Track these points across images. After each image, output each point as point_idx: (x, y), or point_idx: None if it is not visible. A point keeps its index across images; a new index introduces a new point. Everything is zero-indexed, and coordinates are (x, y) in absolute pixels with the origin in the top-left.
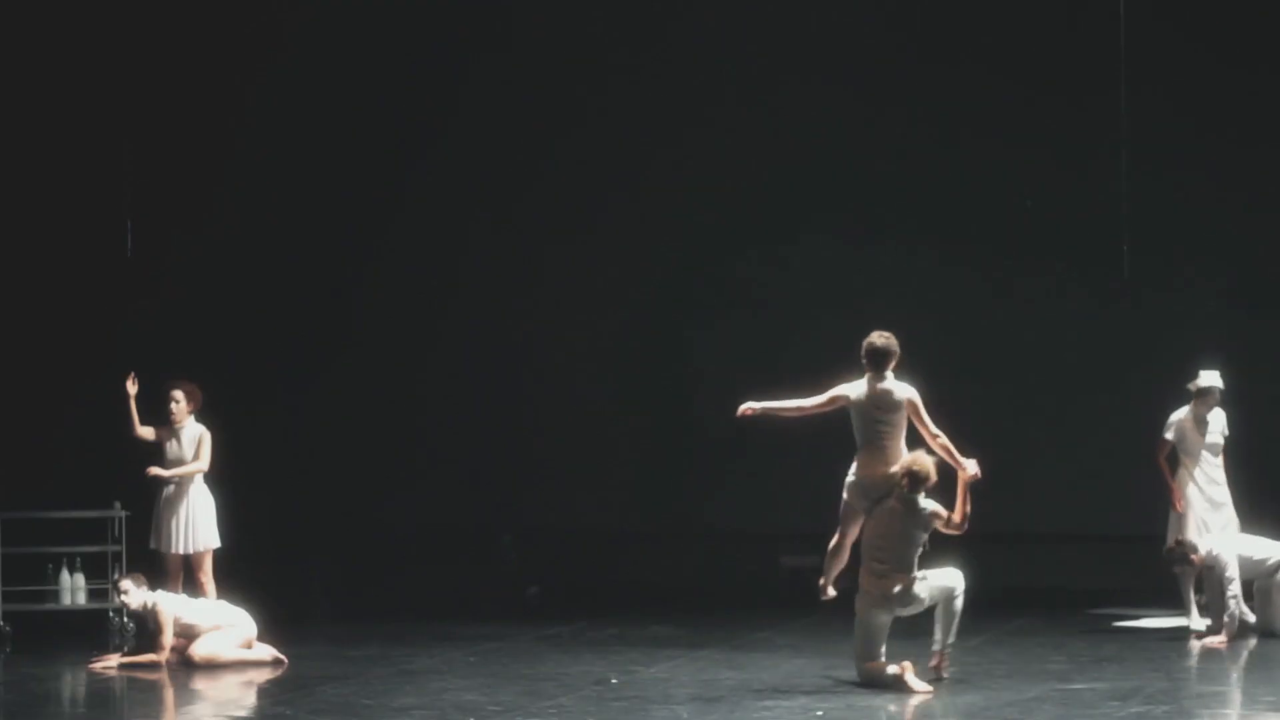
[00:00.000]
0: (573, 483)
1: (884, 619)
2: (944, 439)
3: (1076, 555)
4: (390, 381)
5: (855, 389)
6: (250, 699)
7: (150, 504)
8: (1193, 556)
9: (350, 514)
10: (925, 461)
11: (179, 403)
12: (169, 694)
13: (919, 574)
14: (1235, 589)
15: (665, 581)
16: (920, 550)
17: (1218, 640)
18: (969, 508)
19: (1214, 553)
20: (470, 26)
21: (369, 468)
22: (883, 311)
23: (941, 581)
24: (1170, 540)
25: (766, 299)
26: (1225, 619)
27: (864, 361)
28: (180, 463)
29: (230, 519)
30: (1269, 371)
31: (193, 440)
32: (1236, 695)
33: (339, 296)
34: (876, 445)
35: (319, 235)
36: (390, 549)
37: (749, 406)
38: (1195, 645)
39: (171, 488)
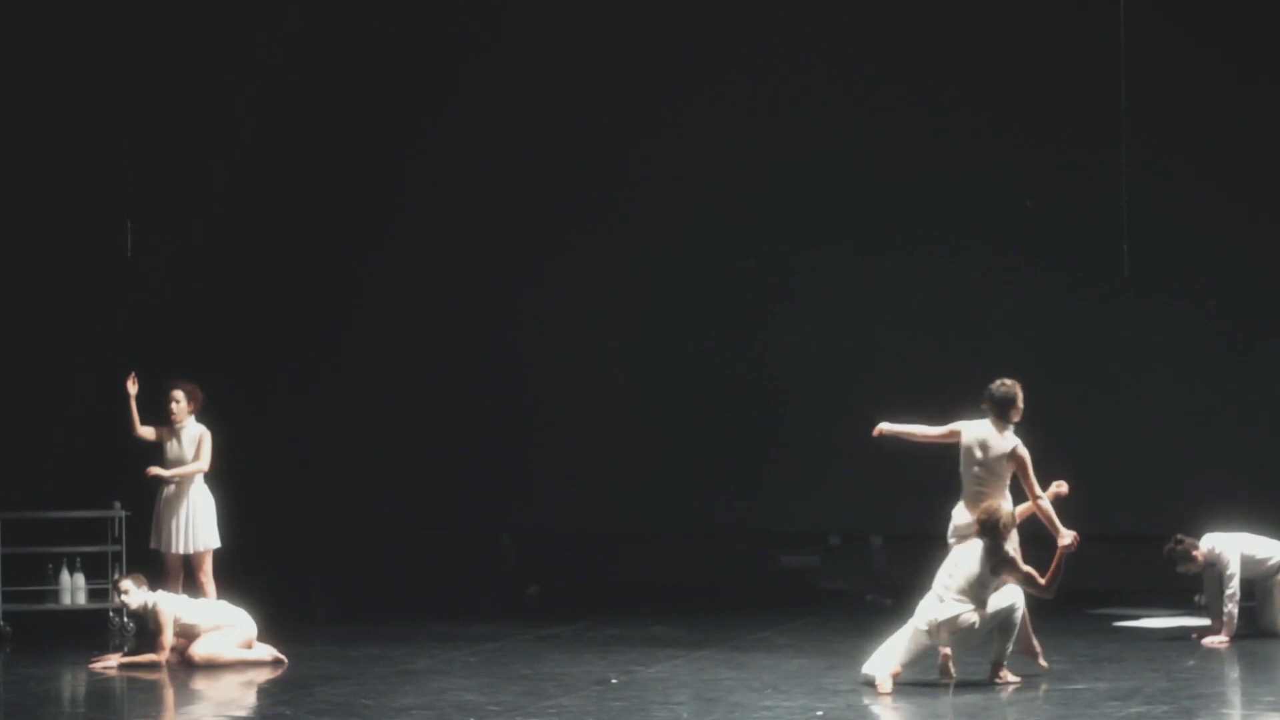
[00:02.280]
0: (573, 483)
1: (925, 640)
2: (1047, 504)
3: (1077, 555)
4: (390, 382)
5: (969, 428)
6: (250, 699)
7: (150, 504)
8: (1194, 554)
9: (350, 514)
10: (996, 509)
11: (179, 403)
12: (169, 694)
13: (981, 611)
14: (1234, 587)
15: (665, 581)
16: (991, 593)
17: (1218, 640)
18: (1060, 577)
19: (1216, 551)
20: (471, 26)
21: (369, 468)
22: (881, 309)
23: (996, 607)
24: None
25: (767, 299)
26: (1225, 618)
27: (984, 406)
28: (180, 463)
29: (230, 519)
30: (1270, 369)
31: (193, 440)
32: (1236, 695)
33: (339, 297)
34: (971, 491)
35: (319, 235)
36: (390, 549)
37: (884, 427)
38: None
39: (171, 488)
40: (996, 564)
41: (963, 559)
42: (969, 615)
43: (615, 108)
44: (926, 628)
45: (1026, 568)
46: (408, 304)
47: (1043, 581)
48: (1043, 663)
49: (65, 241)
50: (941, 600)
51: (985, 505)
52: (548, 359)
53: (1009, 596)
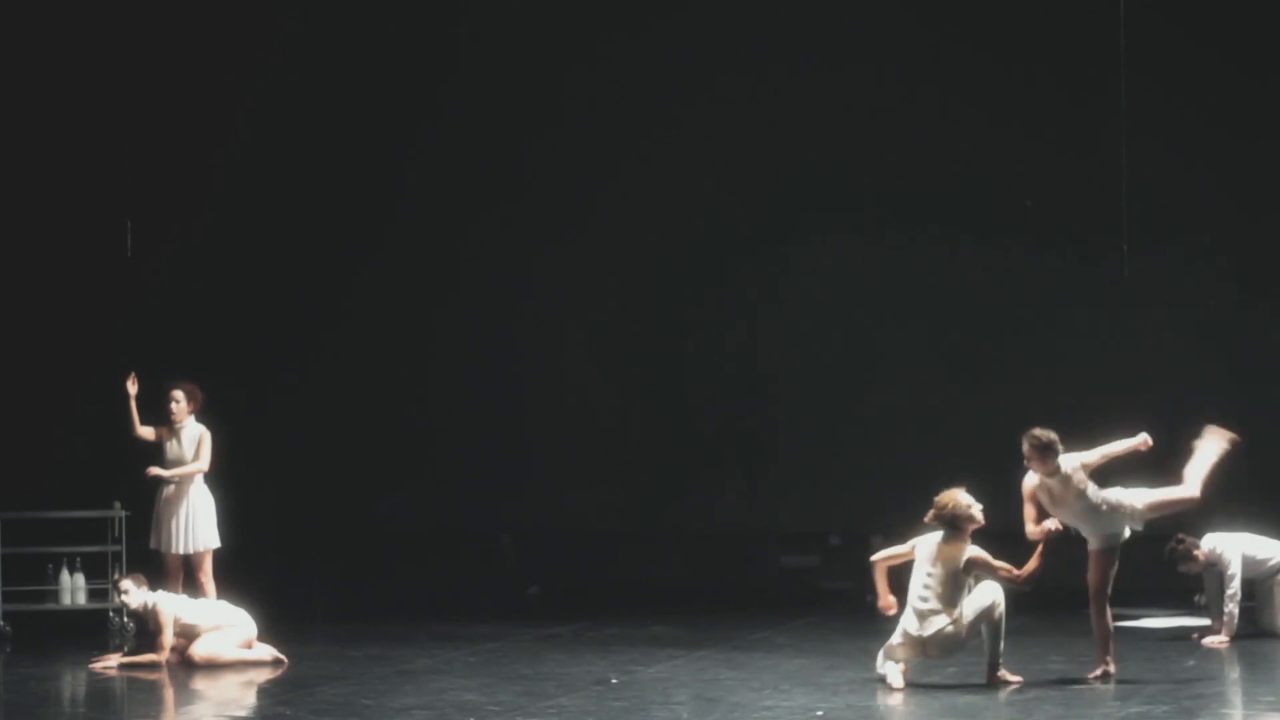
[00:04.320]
0: (572, 483)
1: (911, 655)
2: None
3: (1076, 555)
4: (390, 382)
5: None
6: (250, 699)
7: (150, 504)
8: (1195, 554)
9: (350, 514)
10: (950, 501)
11: (179, 403)
12: (169, 694)
13: (960, 615)
14: (1235, 587)
15: (665, 581)
16: (965, 593)
17: (1218, 640)
18: (1039, 571)
19: (1217, 551)
20: (470, 26)
21: (369, 468)
22: (880, 309)
23: (976, 609)
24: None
25: (767, 298)
26: (1225, 618)
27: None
28: (180, 463)
29: (230, 519)
30: (1271, 369)
31: (193, 440)
32: (1236, 695)
33: (339, 297)
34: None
35: (319, 235)
36: (390, 549)
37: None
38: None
39: (171, 488)
40: (967, 562)
41: (931, 565)
42: (950, 627)
43: (615, 107)
44: (905, 641)
45: (997, 562)
46: (408, 303)
47: (1019, 573)
48: (1105, 669)
49: (65, 241)
50: (919, 614)
51: (939, 498)
52: (547, 359)
53: (987, 595)
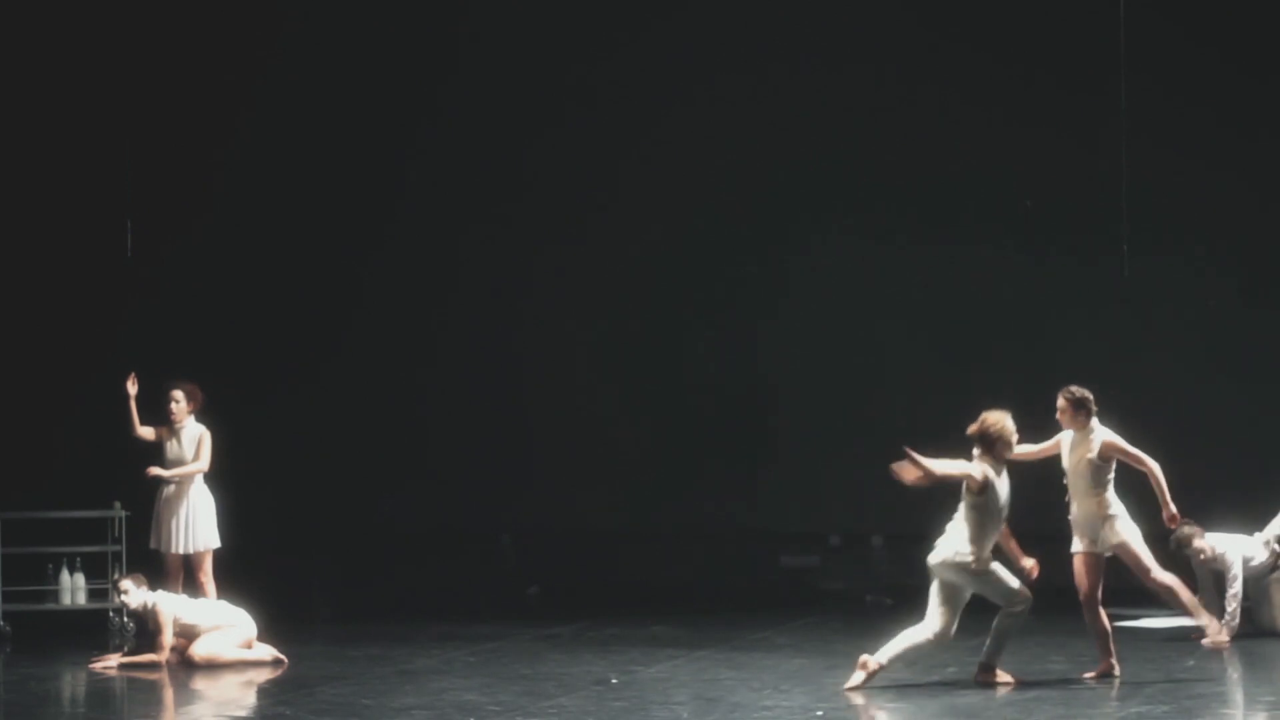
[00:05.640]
0: (572, 483)
1: (953, 579)
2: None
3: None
4: (390, 382)
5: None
6: (250, 699)
7: (150, 504)
8: (1199, 543)
9: (350, 513)
10: (990, 421)
11: (179, 403)
12: (169, 694)
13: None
14: (1237, 587)
15: (665, 581)
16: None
17: (1218, 640)
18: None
19: (1218, 551)
20: (470, 27)
21: (369, 468)
22: (880, 309)
23: (1003, 592)
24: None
25: (767, 298)
26: (1226, 618)
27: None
28: (180, 463)
29: (230, 519)
30: (1271, 369)
31: (193, 440)
32: (1237, 695)
33: (339, 297)
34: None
35: (319, 235)
36: (390, 549)
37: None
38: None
39: (171, 488)
40: (967, 477)
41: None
42: (964, 556)
43: (615, 108)
44: (954, 568)
45: (968, 466)
46: (408, 304)
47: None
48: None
49: (65, 241)
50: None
51: (988, 415)
52: (547, 359)
53: (1017, 592)
